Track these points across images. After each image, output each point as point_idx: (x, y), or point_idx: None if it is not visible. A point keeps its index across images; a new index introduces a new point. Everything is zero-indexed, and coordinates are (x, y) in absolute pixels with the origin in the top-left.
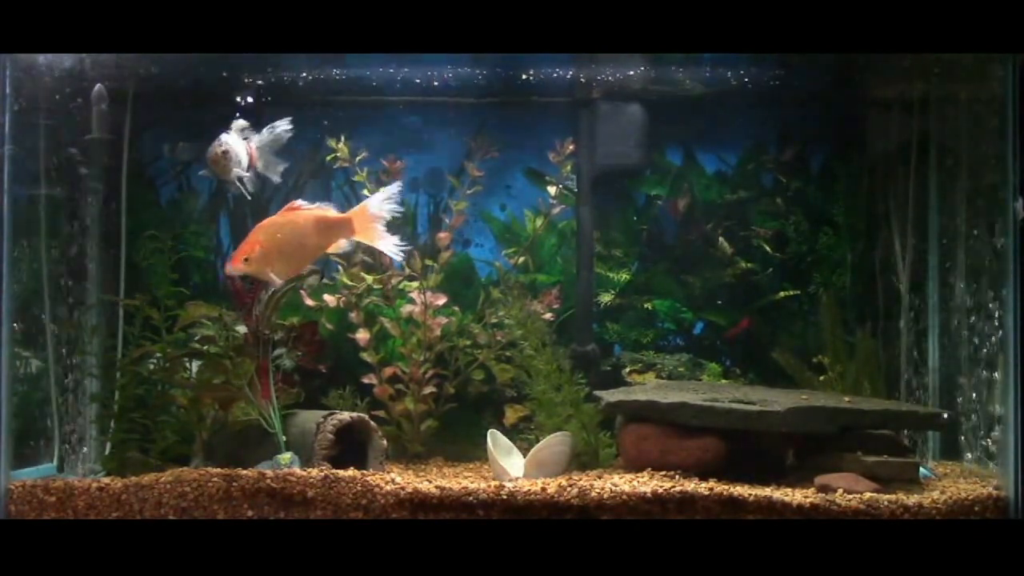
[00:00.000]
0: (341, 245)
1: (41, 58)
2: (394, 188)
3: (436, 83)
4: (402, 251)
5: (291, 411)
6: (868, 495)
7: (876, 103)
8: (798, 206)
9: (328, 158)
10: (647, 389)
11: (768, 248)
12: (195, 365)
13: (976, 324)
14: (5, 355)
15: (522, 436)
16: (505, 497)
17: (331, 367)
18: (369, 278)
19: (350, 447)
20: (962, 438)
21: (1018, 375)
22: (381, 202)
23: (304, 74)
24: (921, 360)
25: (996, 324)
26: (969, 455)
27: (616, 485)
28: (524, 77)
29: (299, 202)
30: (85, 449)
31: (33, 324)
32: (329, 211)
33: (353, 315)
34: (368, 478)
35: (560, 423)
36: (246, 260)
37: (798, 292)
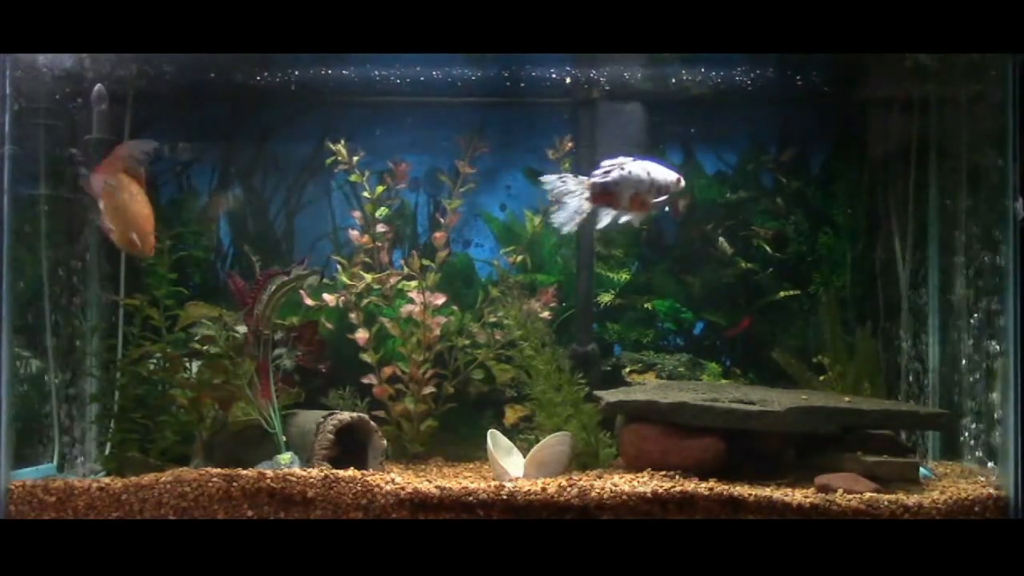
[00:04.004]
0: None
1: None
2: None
3: (436, 83)
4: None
5: (291, 411)
6: (868, 495)
7: (876, 103)
8: (798, 206)
9: (328, 161)
10: (647, 389)
11: (768, 248)
12: (195, 365)
13: (976, 324)
14: (5, 355)
15: (522, 436)
16: (505, 497)
17: (331, 367)
18: (368, 277)
19: (350, 447)
20: (962, 438)
21: (1018, 375)
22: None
23: (304, 74)
24: (921, 360)
25: (996, 324)
26: (969, 456)
27: (616, 485)
28: (524, 77)
29: None
30: (80, 446)
31: (33, 324)
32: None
33: (353, 315)
34: (368, 478)
35: (560, 423)
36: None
37: (798, 292)
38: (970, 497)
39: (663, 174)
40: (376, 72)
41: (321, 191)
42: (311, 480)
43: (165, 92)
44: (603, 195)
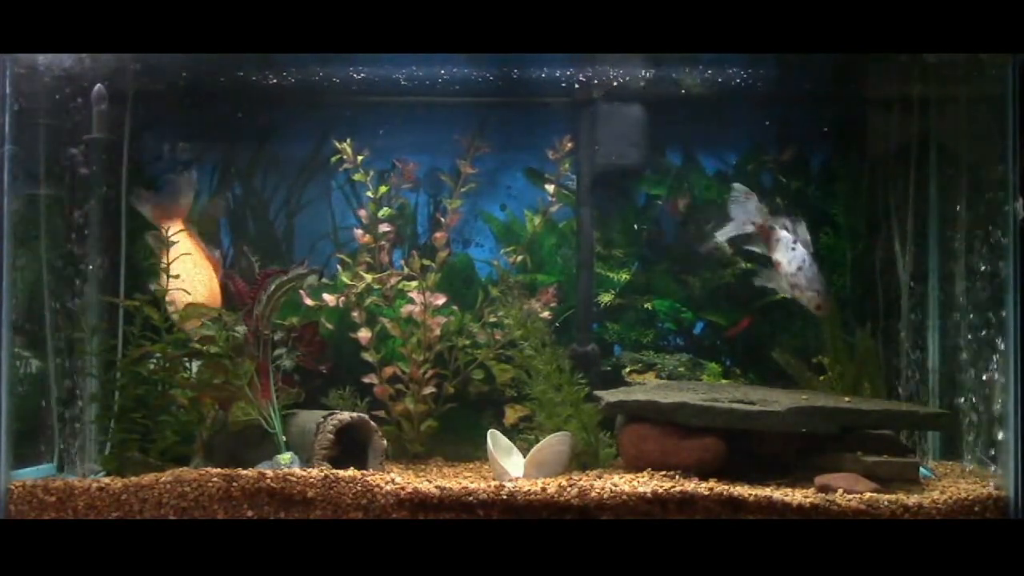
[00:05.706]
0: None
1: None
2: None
3: (437, 83)
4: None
5: (291, 411)
6: (868, 495)
7: (876, 102)
8: (798, 206)
9: (333, 159)
10: (647, 389)
11: None
12: (195, 365)
13: (976, 324)
14: (5, 355)
15: (522, 436)
16: (505, 497)
17: (331, 367)
18: (369, 277)
19: (350, 447)
20: (962, 438)
21: (1018, 375)
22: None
23: (304, 74)
24: (921, 360)
25: (996, 324)
26: (969, 455)
27: (616, 485)
28: (525, 77)
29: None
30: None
31: (33, 324)
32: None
33: (355, 314)
34: (368, 478)
35: (560, 423)
36: None
37: None
38: (970, 497)
39: (810, 279)
40: (376, 72)
41: (321, 191)
42: (311, 480)
43: (165, 91)
44: (762, 231)
